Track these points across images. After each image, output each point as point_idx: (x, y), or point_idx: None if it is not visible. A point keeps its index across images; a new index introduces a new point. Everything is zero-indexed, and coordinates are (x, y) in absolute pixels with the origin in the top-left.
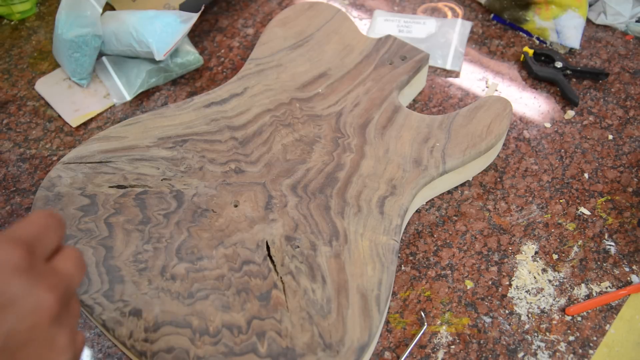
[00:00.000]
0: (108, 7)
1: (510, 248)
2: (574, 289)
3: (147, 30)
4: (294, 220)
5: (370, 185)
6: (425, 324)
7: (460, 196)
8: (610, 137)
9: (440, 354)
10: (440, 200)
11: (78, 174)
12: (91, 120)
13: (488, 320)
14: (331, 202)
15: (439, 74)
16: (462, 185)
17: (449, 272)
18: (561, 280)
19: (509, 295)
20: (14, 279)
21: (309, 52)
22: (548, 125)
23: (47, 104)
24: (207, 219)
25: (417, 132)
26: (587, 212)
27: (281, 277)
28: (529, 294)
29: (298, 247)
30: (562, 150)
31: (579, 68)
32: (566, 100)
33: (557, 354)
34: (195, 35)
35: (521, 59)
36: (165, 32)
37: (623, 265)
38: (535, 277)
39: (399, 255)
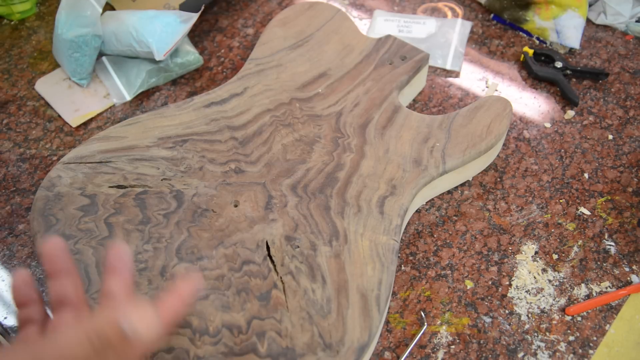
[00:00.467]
0: (108, 7)
1: (510, 248)
2: (574, 289)
3: (147, 30)
4: (294, 220)
5: (370, 185)
6: (425, 324)
7: (460, 196)
8: (610, 137)
9: (440, 354)
10: (440, 200)
11: (78, 174)
12: (91, 120)
13: (488, 320)
14: (331, 202)
15: (439, 74)
16: (462, 185)
17: (449, 272)
18: (561, 280)
19: (509, 295)
20: None
21: (309, 52)
22: (548, 125)
23: (47, 104)
24: (207, 219)
25: (417, 132)
26: (587, 212)
27: (281, 277)
28: (529, 294)
29: (298, 247)
30: (562, 150)
31: (579, 68)
32: (566, 100)
33: (557, 354)
34: (195, 35)
35: (521, 59)
36: (165, 32)
37: (623, 265)
38: (535, 277)
39: (399, 255)
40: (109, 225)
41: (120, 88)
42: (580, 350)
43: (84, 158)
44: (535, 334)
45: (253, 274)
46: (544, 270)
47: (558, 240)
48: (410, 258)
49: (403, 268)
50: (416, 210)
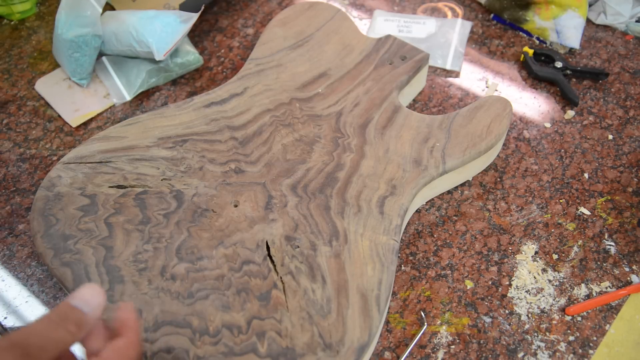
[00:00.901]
0: (108, 7)
1: (510, 248)
2: (574, 289)
3: (147, 30)
4: (294, 220)
5: (370, 185)
6: (425, 324)
7: (460, 196)
8: (610, 137)
9: (440, 354)
10: (440, 200)
11: (78, 174)
12: (91, 120)
13: (488, 320)
14: (331, 202)
15: (439, 74)
16: (462, 185)
17: (449, 272)
18: (561, 280)
19: (509, 295)
20: None
21: (309, 52)
22: (548, 125)
23: (47, 104)
24: (207, 219)
25: (417, 132)
26: (587, 212)
27: (281, 277)
28: (529, 294)
29: (298, 247)
30: (562, 150)
31: (579, 68)
32: (566, 100)
33: (557, 354)
34: (195, 35)
35: (521, 59)
36: (165, 32)
37: (623, 265)
38: (535, 277)
39: (399, 255)
40: (109, 225)
41: (120, 88)
42: (580, 350)
43: (84, 158)
44: (535, 334)
45: (253, 274)
46: (544, 270)
47: (558, 240)
48: (410, 258)
49: (403, 268)
50: (416, 210)
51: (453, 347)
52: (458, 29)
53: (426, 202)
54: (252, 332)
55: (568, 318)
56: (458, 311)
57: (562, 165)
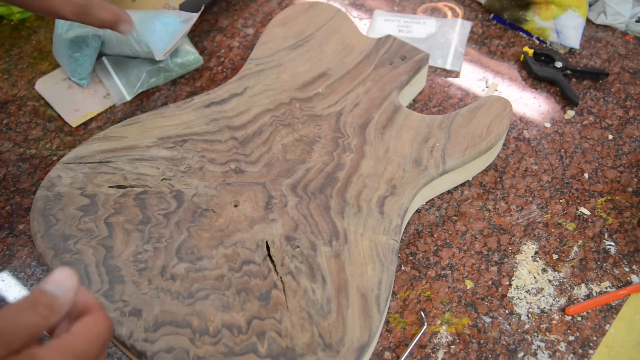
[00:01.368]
0: None
1: (510, 248)
2: (574, 289)
3: (147, 30)
4: (294, 220)
5: (370, 185)
6: (425, 324)
7: (460, 196)
8: (610, 137)
9: (440, 354)
10: (440, 200)
11: (78, 174)
12: (91, 120)
13: (488, 320)
14: (331, 202)
15: (439, 74)
16: (462, 185)
17: (449, 272)
18: (561, 280)
19: (509, 295)
20: None
21: (308, 52)
22: (548, 125)
23: (47, 104)
24: (207, 219)
25: (417, 132)
26: (587, 212)
27: (281, 277)
28: (529, 294)
29: (298, 247)
30: (562, 150)
31: (579, 68)
32: (566, 100)
33: (557, 354)
34: (195, 35)
35: (521, 59)
36: (165, 32)
37: (623, 265)
38: (535, 277)
39: (399, 255)
40: (109, 225)
41: (120, 88)
42: (580, 350)
43: (84, 158)
44: (535, 334)
45: (253, 274)
46: (544, 270)
47: (558, 240)
48: (410, 258)
49: (403, 268)
50: (416, 210)
51: (453, 347)
52: (458, 29)
53: (426, 202)
54: (252, 332)
55: (568, 318)
56: (458, 311)
57: (562, 165)
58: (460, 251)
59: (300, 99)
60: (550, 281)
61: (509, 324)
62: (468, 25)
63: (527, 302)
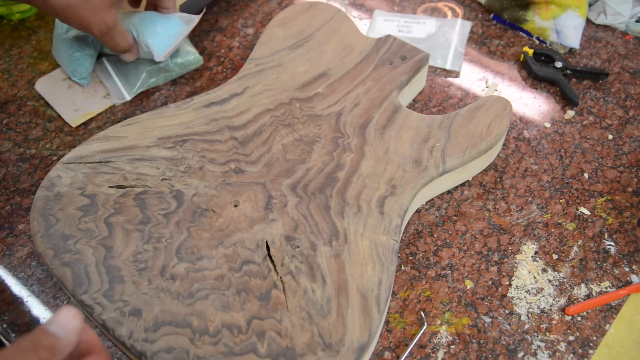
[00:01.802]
0: None
1: (510, 248)
2: (573, 289)
3: (147, 31)
4: (293, 220)
5: (370, 185)
6: (425, 324)
7: (460, 196)
8: (610, 137)
9: (440, 354)
10: (440, 200)
11: (78, 173)
12: (91, 120)
13: (488, 320)
14: (331, 202)
15: (439, 74)
16: (462, 185)
17: (448, 272)
18: (561, 280)
19: (508, 295)
20: None
21: (308, 52)
22: (548, 125)
23: (47, 104)
24: (207, 219)
25: (417, 132)
26: (587, 212)
27: (281, 277)
28: (529, 294)
29: (298, 247)
30: (562, 150)
31: (579, 68)
32: (566, 100)
33: (557, 354)
34: (195, 35)
35: (521, 59)
36: (165, 33)
37: (623, 265)
38: (535, 277)
39: (399, 255)
40: (109, 225)
41: (120, 88)
42: (580, 350)
43: (84, 158)
44: (535, 334)
45: (253, 274)
46: (544, 270)
47: (558, 240)
48: (410, 258)
49: (403, 268)
50: (416, 210)
51: (453, 347)
52: (458, 29)
53: (426, 202)
54: (252, 332)
55: (568, 318)
56: (458, 311)
57: (562, 165)
58: (460, 251)
59: (300, 99)
60: (550, 281)
61: (509, 324)
62: (468, 25)
63: (527, 302)
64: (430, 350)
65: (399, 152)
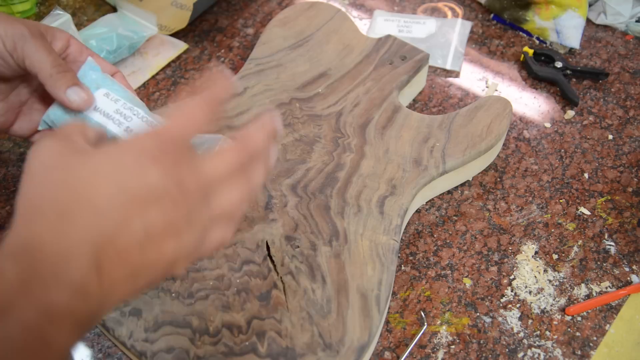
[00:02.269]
0: (109, 7)
1: (510, 248)
2: (574, 289)
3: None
4: (294, 220)
5: (370, 185)
6: (425, 324)
7: (460, 196)
8: (610, 137)
9: (440, 354)
10: (440, 200)
11: None
12: None
13: (488, 320)
14: (331, 202)
15: (439, 74)
16: (462, 185)
17: (448, 272)
18: (561, 280)
19: (509, 295)
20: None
21: (309, 52)
22: (548, 125)
23: None
24: None
25: (417, 132)
26: (587, 212)
27: (281, 277)
28: (529, 294)
29: (298, 247)
30: (562, 150)
31: (579, 68)
32: (566, 100)
33: (557, 354)
34: (195, 36)
35: (521, 59)
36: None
37: (623, 265)
38: (535, 277)
39: (399, 255)
40: None
41: None
42: (580, 351)
43: None
44: (536, 334)
45: (253, 274)
46: (544, 270)
47: (558, 240)
48: (410, 258)
49: (403, 268)
50: (416, 210)
51: (453, 347)
52: (458, 29)
53: (426, 202)
54: (252, 332)
55: (568, 318)
56: (458, 311)
57: (562, 165)
58: (460, 251)
59: (300, 99)
60: (550, 281)
61: (509, 324)
62: (468, 25)
63: (527, 302)
64: (430, 350)
65: (399, 152)
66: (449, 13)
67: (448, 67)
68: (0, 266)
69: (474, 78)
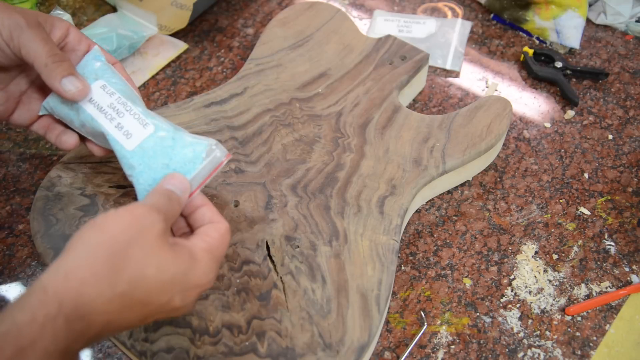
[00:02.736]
0: (109, 7)
1: (510, 248)
2: (574, 289)
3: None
4: (293, 220)
5: (370, 185)
6: (425, 324)
7: (460, 196)
8: (610, 137)
9: (440, 354)
10: (440, 200)
11: (78, 173)
12: None
13: (488, 320)
14: (331, 202)
15: (438, 74)
16: (462, 185)
17: (448, 272)
18: (561, 280)
19: (508, 295)
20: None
21: (308, 52)
22: (548, 125)
23: None
24: None
25: (417, 132)
26: (587, 212)
27: (281, 277)
28: (529, 294)
29: (298, 247)
30: (562, 150)
31: (579, 68)
32: (566, 100)
33: (557, 354)
34: (195, 36)
35: (521, 59)
36: None
37: (623, 265)
38: (535, 277)
39: (399, 255)
40: None
41: None
42: (580, 351)
43: (84, 158)
44: (536, 334)
45: (253, 273)
46: (544, 270)
47: (558, 240)
48: (410, 258)
49: (403, 268)
50: (416, 210)
51: (453, 347)
52: (458, 29)
53: (426, 202)
54: (252, 332)
55: (568, 318)
56: (458, 311)
57: (562, 165)
58: (460, 251)
59: (300, 99)
60: (550, 281)
61: (509, 324)
62: (468, 25)
63: (528, 302)
64: (430, 350)
65: (399, 152)
66: (449, 13)
67: (448, 67)
68: (52, 325)
69: (474, 78)
